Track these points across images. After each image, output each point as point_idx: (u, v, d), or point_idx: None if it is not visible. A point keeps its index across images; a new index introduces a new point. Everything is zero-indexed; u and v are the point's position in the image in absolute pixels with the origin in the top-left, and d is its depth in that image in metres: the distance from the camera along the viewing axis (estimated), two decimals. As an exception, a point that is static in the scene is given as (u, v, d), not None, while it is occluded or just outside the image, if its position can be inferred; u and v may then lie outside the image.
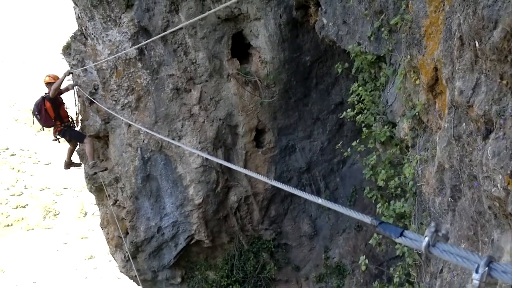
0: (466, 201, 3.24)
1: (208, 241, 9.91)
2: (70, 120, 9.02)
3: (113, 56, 8.20)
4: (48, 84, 8.55)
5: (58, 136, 8.96)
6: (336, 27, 6.30)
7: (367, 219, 1.37)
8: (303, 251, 10.62)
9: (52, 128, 8.90)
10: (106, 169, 9.48)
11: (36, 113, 8.57)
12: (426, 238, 1.11)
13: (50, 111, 8.54)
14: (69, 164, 9.74)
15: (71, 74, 8.90)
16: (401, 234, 1.20)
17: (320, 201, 1.65)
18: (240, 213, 10.20)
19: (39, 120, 8.69)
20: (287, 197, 10.39)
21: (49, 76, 8.72)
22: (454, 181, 3.43)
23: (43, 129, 9.26)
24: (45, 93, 8.60)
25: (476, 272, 0.98)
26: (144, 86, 8.66)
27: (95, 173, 9.63)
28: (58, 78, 8.62)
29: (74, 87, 9.05)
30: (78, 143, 9.45)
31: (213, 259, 10.62)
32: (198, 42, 8.45)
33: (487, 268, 0.98)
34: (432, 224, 1.11)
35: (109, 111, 7.90)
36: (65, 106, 9.01)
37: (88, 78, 8.97)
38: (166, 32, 7.35)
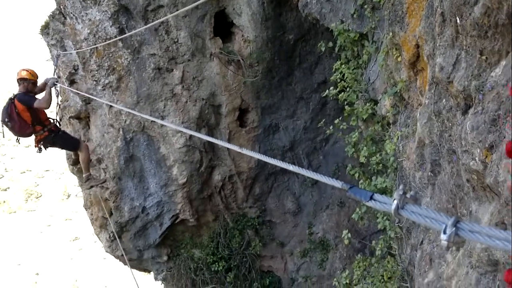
0: (445, 175, 3.33)
1: (193, 220, 9.97)
2: (53, 122, 7.05)
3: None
4: (22, 80, 6.62)
5: (43, 146, 7.03)
6: (319, 5, 6.27)
7: (337, 183, 1.39)
8: (287, 227, 10.77)
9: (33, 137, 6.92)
10: (105, 181, 8.53)
11: (6, 120, 6.52)
12: (395, 201, 1.12)
13: (24, 115, 6.52)
14: (88, 178, 7.67)
15: (56, 84, 6.92)
16: (371, 198, 1.22)
17: (291, 167, 1.69)
18: (225, 192, 10.26)
19: (12, 129, 6.64)
20: (271, 175, 10.47)
21: (27, 70, 6.72)
22: (434, 156, 3.52)
23: (18, 140, 7.12)
24: (14, 94, 6.61)
25: (444, 232, 0.99)
26: (125, 66, 8.52)
27: (91, 186, 8.23)
28: (36, 75, 6.79)
29: (55, 84, 6.90)
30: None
31: (199, 237, 10.71)
32: (180, 20, 8.31)
33: (454, 228, 0.98)
34: (401, 187, 1.14)
35: (87, 95, 7.36)
36: None
37: (68, 58, 8.76)
38: (156, 22, 7.19)
